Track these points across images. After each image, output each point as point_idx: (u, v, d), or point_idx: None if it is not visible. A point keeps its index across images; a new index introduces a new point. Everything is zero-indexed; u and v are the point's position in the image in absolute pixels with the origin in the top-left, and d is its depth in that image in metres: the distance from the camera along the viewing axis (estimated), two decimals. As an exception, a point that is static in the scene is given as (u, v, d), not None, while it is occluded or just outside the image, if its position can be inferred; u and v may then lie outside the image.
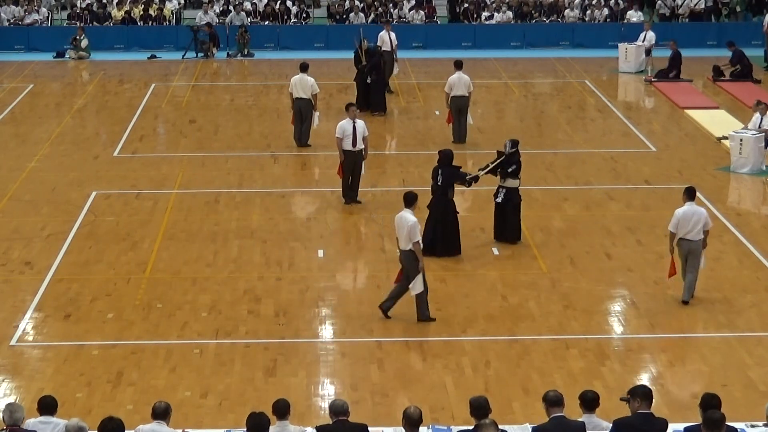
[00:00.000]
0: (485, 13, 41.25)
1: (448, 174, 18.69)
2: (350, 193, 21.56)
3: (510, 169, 19.25)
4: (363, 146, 21.41)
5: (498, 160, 19.36)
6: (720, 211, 21.27)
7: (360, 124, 21.41)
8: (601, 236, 20.02)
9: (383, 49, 30.89)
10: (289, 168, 24.69)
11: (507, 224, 19.39)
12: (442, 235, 18.64)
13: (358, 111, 22.01)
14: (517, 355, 15.29)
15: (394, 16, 41.19)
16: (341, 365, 15.10)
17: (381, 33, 31.53)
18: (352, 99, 28.39)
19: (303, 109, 25.60)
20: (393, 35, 31.29)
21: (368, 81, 29.12)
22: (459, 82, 25.85)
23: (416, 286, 16.04)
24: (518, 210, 19.45)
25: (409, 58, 36.64)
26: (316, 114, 25.73)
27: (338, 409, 10.85)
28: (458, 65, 26.19)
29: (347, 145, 21.24)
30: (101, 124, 29.02)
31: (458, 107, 25.98)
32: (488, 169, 19.46)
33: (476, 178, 19.20)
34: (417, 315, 16.27)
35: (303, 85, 25.53)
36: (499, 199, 19.39)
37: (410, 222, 16.01)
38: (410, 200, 16.32)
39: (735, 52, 33.60)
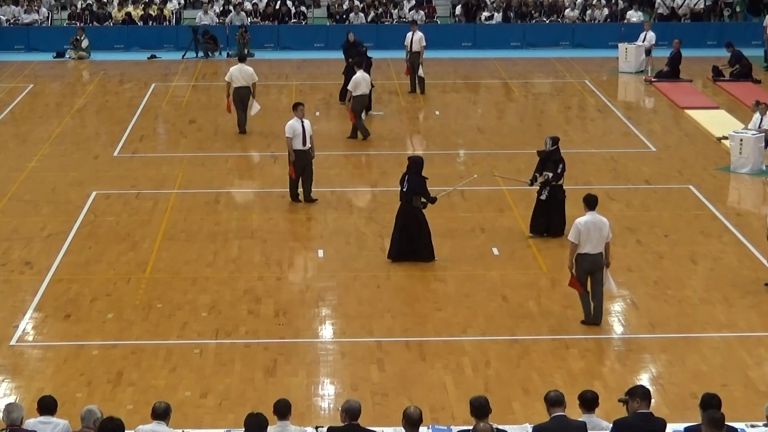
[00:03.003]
0: (485, 13, 41.27)
1: (413, 182, 18.41)
2: (297, 193, 21.62)
3: (559, 170, 19.37)
4: (311, 145, 21.54)
5: (538, 181, 19.53)
6: (720, 211, 21.27)
7: (307, 123, 21.56)
8: (601, 236, 20.00)
9: (408, 49, 31.04)
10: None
11: (552, 220, 19.54)
12: (407, 242, 18.53)
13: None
14: (517, 355, 15.28)
15: (394, 16, 41.23)
16: (341, 365, 15.10)
17: (407, 33, 31.66)
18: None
19: (244, 98, 26.67)
20: (418, 35, 31.26)
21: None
22: (363, 81, 26.17)
23: (614, 287, 16.15)
24: (563, 206, 19.64)
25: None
26: (255, 102, 26.72)
27: (354, 413, 10.77)
28: (359, 65, 26.72)
29: (298, 145, 21.32)
30: (101, 124, 29.02)
31: (363, 106, 26.45)
32: (539, 181, 19.55)
33: (434, 200, 18.69)
34: (597, 317, 16.15)
35: (243, 74, 26.65)
36: (543, 197, 19.45)
37: (608, 222, 16.06)
38: (595, 202, 16.14)
39: (733, 53, 33.63)
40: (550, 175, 19.42)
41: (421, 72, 31.31)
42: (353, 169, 24.72)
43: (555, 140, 19.69)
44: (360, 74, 26.27)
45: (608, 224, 16.06)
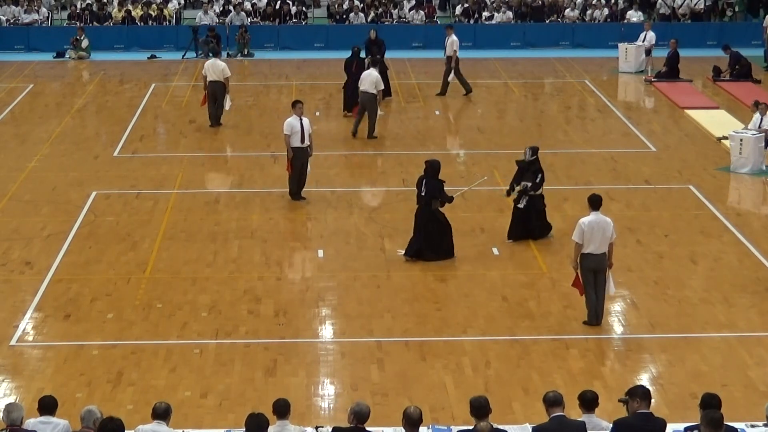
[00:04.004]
0: (486, 13, 41.28)
1: (431, 187, 18.49)
2: (296, 191, 21.76)
3: (538, 179, 19.30)
4: (310, 143, 21.62)
5: (515, 191, 19.47)
6: (720, 211, 21.27)
7: (306, 121, 21.66)
8: (601, 236, 19.99)
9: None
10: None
11: (533, 227, 19.45)
12: (428, 244, 18.58)
13: (302, 106, 22.10)
14: (517, 355, 15.28)
15: (394, 16, 41.22)
16: (341, 365, 15.10)
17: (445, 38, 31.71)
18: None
19: (217, 92, 27.46)
20: (450, 39, 31.23)
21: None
22: (366, 79, 26.43)
23: (612, 287, 16.12)
24: (543, 214, 19.61)
25: (409, 58, 36.65)
26: (228, 97, 27.40)
27: (363, 417, 10.73)
28: (374, 63, 27.38)
29: (296, 142, 21.45)
30: (101, 124, 29.02)
31: (362, 102, 26.57)
32: (516, 191, 19.48)
33: (451, 199, 18.84)
34: (599, 317, 16.12)
35: (215, 69, 27.50)
36: (521, 205, 19.37)
37: (612, 222, 16.03)
38: (599, 202, 16.10)
39: (731, 54, 33.64)
40: (529, 185, 19.29)
41: (451, 77, 31.20)
42: (353, 169, 24.72)
43: (534, 150, 19.57)
44: (367, 72, 26.60)
45: (612, 224, 16.05)
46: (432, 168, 18.69)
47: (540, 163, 19.58)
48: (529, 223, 19.50)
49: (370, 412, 10.82)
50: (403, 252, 18.79)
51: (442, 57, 31.94)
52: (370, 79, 26.41)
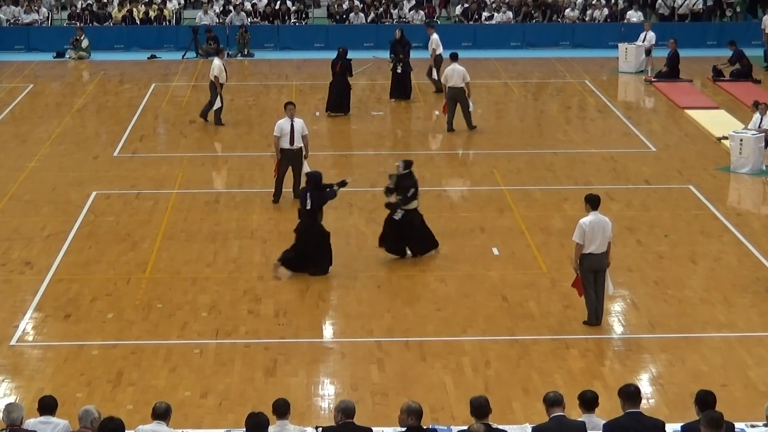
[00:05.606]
0: (486, 13, 41.28)
1: (316, 197, 18.12)
2: (280, 192, 21.75)
3: (409, 194, 18.62)
4: (302, 144, 21.58)
5: (393, 210, 18.72)
6: (720, 211, 21.27)
7: (298, 122, 21.62)
8: (601, 236, 19.97)
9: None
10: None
11: (412, 241, 18.82)
12: (311, 256, 18.13)
13: (295, 108, 22.03)
14: (517, 355, 15.28)
15: (394, 16, 41.22)
16: (341, 365, 15.10)
17: None
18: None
19: (209, 90, 27.95)
20: (431, 38, 31.40)
21: (398, 71, 30.19)
22: (455, 73, 26.74)
23: (611, 286, 16.11)
24: (423, 227, 18.89)
25: (409, 58, 36.58)
26: (219, 97, 27.73)
27: (350, 411, 10.76)
28: (454, 57, 27.44)
29: (285, 144, 21.44)
30: (101, 124, 29.02)
31: (452, 97, 26.91)
32: (394, 205, 18.69)
33: (344, 183, 18.73)
34: (599, 317, 16.10)
35: (211, 67, 27.92)
36: (396, 217, 18.64)
37: (610, 222, 16.03)
38: (598, 202, 16.03)
39: (735, 51, 33.67)
40: (400, 198, 18.56)
41: (434, 74, 31.21)
42: (353, 169, 24.70)
43: (408, 164, 18.84)
44: (451, 68, 26.94)
45: (611, 224, 16.05)
46: (313, 180, 18.36)
47: (414, 177, 18.87)
48: (405, 238, 18.79)
49: (355, 406, 10.81)
50: (279, 261, 18.23)
51: (443, 57, 31.90)
52: (457, 75, 26.76)
